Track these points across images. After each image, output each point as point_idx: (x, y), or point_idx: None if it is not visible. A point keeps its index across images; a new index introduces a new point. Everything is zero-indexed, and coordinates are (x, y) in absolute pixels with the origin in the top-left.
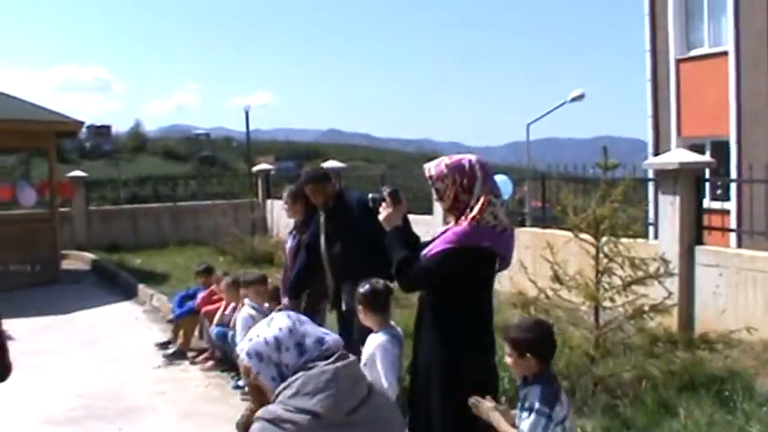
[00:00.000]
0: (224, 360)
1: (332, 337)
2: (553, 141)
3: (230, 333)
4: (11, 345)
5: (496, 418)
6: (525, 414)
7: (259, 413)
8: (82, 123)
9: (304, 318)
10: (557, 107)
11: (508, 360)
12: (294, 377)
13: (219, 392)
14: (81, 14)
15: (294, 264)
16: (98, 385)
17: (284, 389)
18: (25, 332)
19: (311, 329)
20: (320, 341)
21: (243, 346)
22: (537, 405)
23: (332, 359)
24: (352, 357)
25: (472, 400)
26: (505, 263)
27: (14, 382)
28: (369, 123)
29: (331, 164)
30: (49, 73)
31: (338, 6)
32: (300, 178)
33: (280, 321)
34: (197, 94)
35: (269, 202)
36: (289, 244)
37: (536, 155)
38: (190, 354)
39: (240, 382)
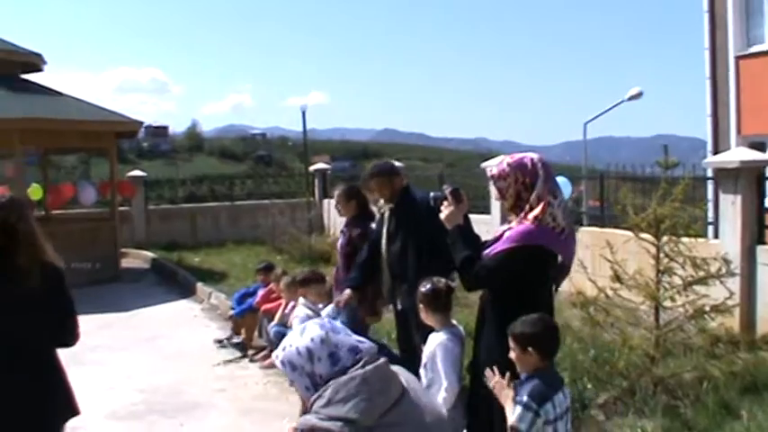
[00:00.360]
0: None
1: (366, 344)
2: (609, 140)
3: (288, 332)
4: None
5: (505, 398)
6: (517, 407)
7: (296, 423)
8: (141, 123)
9: (338, 326)
10: (614, 106)
11: (512, 355)
12: (325, 386)
13: (278, 390)
14: (138, 16)
15: (345, 261)
16: (159, 381)
17: (317, 398)
18: (88, 329)
19: (345, 339)
20: (354, 350)
21: (277, 354)
22: (525, 399)
23: (360, 363)
24: (381, 360)
25: (489, 374)
26: (566, 267)
27: (79, 378)
28: (424, 123)
29: None
30: (109, 75)
31: (392, 8)
32: (367, 170)
33: (312, 331)
34: (253, 94)
35: (326, 201)
36: (340, 241)
37: (592, 154)
38: (249, 351)
39: None
